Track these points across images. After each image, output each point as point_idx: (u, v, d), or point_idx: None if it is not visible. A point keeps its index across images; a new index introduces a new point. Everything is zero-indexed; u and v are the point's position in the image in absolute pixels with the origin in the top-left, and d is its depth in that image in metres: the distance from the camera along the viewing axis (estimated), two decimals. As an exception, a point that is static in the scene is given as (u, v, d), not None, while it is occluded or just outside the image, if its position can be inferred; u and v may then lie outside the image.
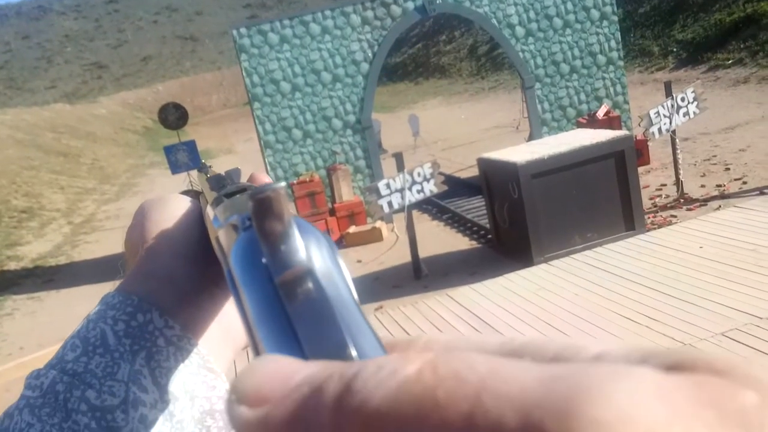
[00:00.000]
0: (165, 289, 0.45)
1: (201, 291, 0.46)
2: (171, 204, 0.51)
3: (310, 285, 0.21)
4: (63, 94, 55.23)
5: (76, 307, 8.00)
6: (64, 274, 11.32)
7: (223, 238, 0.30)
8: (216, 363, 0.46)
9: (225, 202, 0.36)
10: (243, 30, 9.74)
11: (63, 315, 8.41)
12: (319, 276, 0.21)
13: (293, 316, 0.20)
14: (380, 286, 7.05)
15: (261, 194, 0.21)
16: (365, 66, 10.02)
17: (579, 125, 9.92)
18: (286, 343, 0.19)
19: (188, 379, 0.44)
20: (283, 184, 0.23)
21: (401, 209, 6.97)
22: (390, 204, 6.88)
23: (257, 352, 0.20)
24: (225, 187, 0.42)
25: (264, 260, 0.22)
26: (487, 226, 8.00)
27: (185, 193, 0.53)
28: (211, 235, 0.38)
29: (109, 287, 0.49)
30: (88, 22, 75.52)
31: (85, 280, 9.89)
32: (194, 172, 9.74)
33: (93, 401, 0.40)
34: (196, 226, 0.48)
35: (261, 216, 0.22)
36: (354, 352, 0.18)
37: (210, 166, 0.63)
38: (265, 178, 0.48)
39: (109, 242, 12.54)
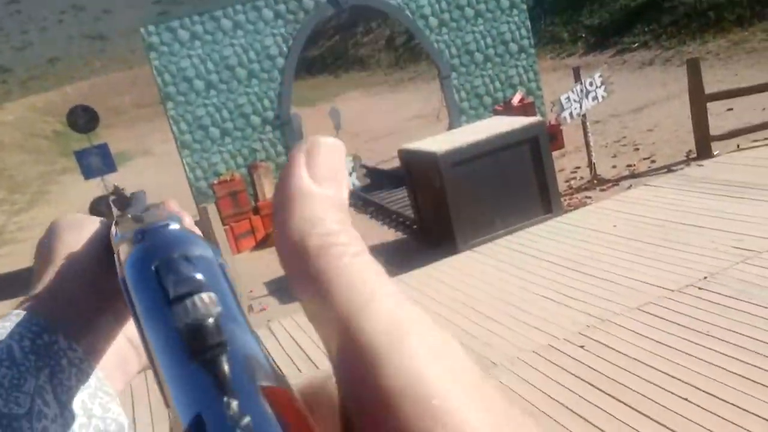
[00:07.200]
0: (69, 313, 0.47)
1: (100, 317, 0.48)
2: (84, 227, 0.51)
3: (197, 299, 0.23)
4: (-36, 100, 52.05)
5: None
6: (-27, 292, 10.71)
7: (122, 252, 0.32)
8: (111, 387, 0.48)
9: (125, 220, 0.38)
10: (151, 28, 9.44)
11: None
12: (206, 288, 0.23)
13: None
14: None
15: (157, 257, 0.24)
16: (281, 60, 9.90)
17: (496, 113, 10.12)
18: (171, 343, 0.22)
19: (87, 399, 0.45)
20: (176, 224, 0.26)
21: (325, 204, 6.91)
22: (313, 200, 6.81)
23: (148, 351, 0.23)
24: (129, 206, 0.45)
25: (153, 267, 0.24)
26: (412, 216, 8.05)
27: (98, 200, 0.53)
28: (114, 251, 0.39)
29: None
30: (-13, 23, 71.45)
31: (-3, 296, 9.38)
32: (108, 177, 9.37)
33: (1, 408, 0.41)
34: (101, 251, 0.49)
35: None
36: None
37: (123, 189, 0.65)
38: (175, 207, 0.50)
39: (22, 255, 11.92)
